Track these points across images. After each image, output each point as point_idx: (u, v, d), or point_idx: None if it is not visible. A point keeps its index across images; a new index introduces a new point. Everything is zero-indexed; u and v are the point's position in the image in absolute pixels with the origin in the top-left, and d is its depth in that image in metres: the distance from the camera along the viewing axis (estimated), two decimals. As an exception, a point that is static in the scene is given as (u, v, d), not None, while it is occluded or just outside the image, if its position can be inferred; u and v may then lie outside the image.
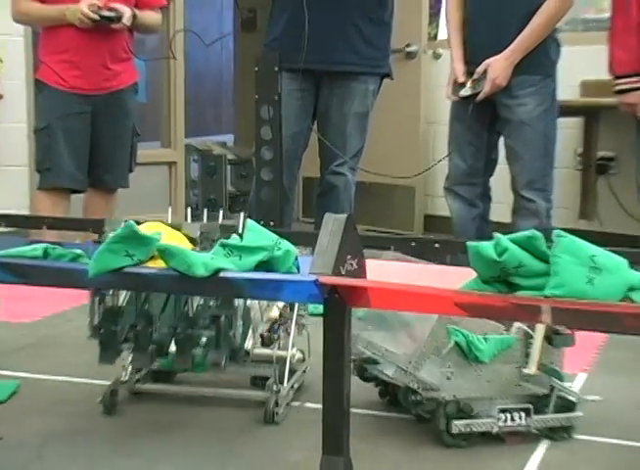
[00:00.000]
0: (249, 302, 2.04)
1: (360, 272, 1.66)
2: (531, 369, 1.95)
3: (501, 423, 1.97)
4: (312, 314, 2.32)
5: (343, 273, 1.61)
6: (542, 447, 2.00)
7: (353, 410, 1.65)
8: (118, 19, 3.64)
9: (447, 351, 1.94)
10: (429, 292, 1.48)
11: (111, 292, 2.03)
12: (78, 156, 3.79)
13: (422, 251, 2.80)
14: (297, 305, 2.22)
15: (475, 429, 1.97)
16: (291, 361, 2.20)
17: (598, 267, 1.46)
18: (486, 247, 1.51)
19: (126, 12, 3.66)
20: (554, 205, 3.48)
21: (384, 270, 1.83)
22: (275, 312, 2.13)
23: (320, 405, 1.65)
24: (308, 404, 2.24)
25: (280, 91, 3.36)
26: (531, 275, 1.48)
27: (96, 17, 3.59)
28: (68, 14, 3.61)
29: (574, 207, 4.86)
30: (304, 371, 2.33)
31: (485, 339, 1.95)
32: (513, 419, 1.97)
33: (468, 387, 1.97)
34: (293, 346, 2.21)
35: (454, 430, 1.96)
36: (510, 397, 1.99)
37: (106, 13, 3.62)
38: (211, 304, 2.00)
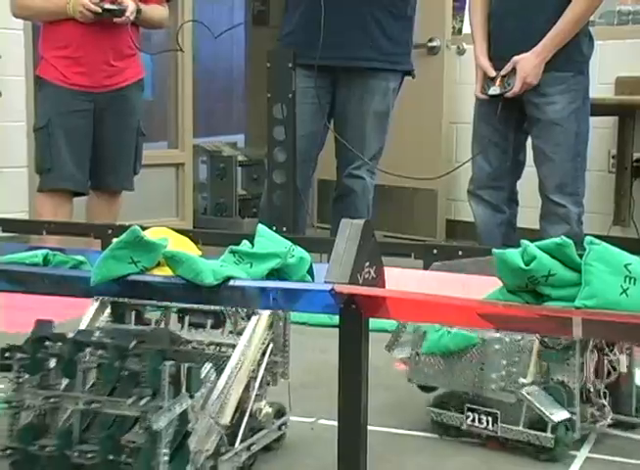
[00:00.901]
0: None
1: (378, 281, 1.66)
2: (527, 379, 1.91)
3: (469, 421, 1.97)
4: (327, 325, 2.33)
5: (361, 282, 1.61)
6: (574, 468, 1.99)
7: (371, 428, 1.64)
8: (122, 12, 3.67)
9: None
10: (451, 302, 1.48)
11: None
12: (80, 156, 3.81)
13: (444, 259, 2.81)
14: (269, 348, 1.89)
15: (444, 420, 2.01)
16: (254, 416, 1.88)
17: (633, 277, 1.46)
18: (513, 255, 1.51)
19: (130, 5, 3.69)
20: (585, 210, 3.47)
21: (403, 279, 1.83)
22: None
23: (335, 422, 1.65)
24: (323, 421, 2.24)
25: (294, 89, 3.37)
26: (561, 285, 1.47)
27: (98, 9, 3.62)
28: (70, 7, 3.64)
29: (608, 212, 4.84)
30: (280, 427, 2.02)
31: (448, 332, 1.96)
32: (480, 421, 1.95)
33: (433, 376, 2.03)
34: (261, 398, 1.92)
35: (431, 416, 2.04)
36: (479, 398, 1.98)
37: (108, 6, 3.65)
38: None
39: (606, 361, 1.94)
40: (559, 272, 1.48)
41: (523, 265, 1.49)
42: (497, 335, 1.94)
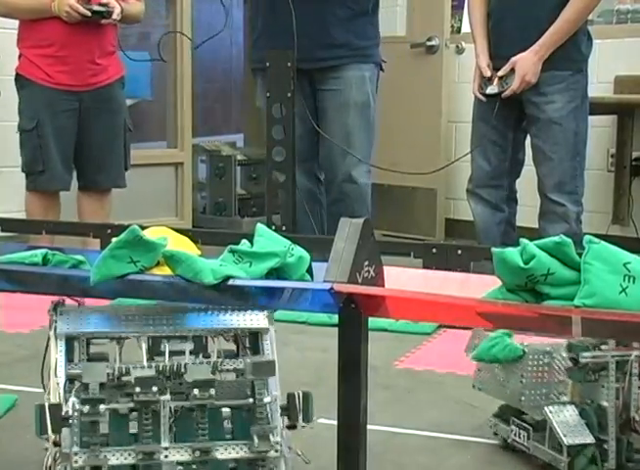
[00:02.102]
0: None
1: (378, 280, 1.66)
2: (566, 397, 1.84)
3: (512, 435, 1.93)
4: (326, 325, 2.33)
5: (360, 281, 1.61)
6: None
7: (370, 427, 1.65)
8: (109, 14, 3.65)
9: None
10: (450, 301, 1.48)
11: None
12: (66, 156, 3.81)
13: (443, 257, 2.81)
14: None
15: (497, 431, 2.00)
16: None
17: (632, 275, 1.46)
18: (512, 253, 1.51)
19: (117, 7, 3.67)
20: (584, 209, 3.47)
21: (403, 278, 1.83)
22: None
23: (335, 421, 1.65)
24: (322, 420, 2.24)
25: (293, 88, 3.38)
26: (560, 284, 1.47)
27: (87, 13, 3.60)
28: (55, 7, 3.61)
29: (607, 211, 4.84)
30: None
31: (501, 341, 1.92)
32: (519, 435, 1.91)
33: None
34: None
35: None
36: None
37: (97, 8, 3.63)
38: None
39: None
40: (558, 271, 1.48)
41: (522, 264, 1.48)
42: (547, 348, 1.89)
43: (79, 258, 1.87)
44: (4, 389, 2.46)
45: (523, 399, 1.87)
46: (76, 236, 3.31)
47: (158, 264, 1.71)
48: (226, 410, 1.55)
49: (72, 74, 3.73)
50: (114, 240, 1.71)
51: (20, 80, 3.82)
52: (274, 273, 1.73)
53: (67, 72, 3.72)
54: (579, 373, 1.78)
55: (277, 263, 1.73)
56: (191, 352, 1.63)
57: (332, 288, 1.59)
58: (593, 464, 1.74)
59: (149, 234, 1.75)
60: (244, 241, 1.79)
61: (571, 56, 3.36)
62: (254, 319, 1.69)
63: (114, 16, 3.66)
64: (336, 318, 1.64)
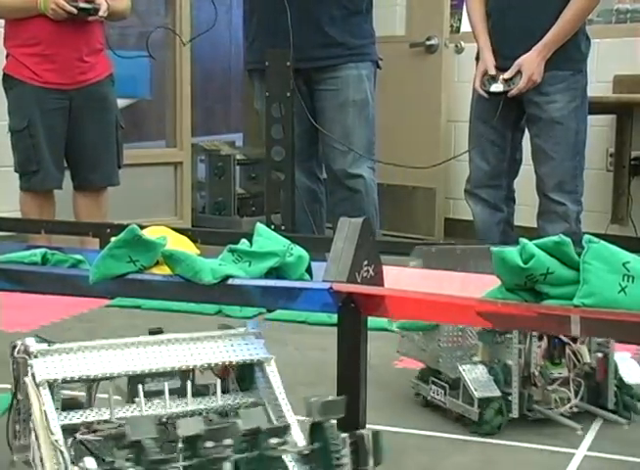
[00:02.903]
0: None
1: (377, 280, 1.66)
2: (476, 357, 2.05)
3: (431, 393, 2.14)
4: (325, 324, 2.33)
5: (359, 280, 1.61)
6: (573, 466, 1.99)
7: (369, 426, 1.64)
8: (96, 11, 3.62)
9: None
10: (450, 301, 1.48)
11: None
12: (57, 155, 3.79)
13: (443, 257, 2.80)
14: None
15: (418, 391, 2.21)
16: None
17: (631, 275, 1.46)
18: (512, 253, 1.51)
19: (103, 4, 3.64)
20: (584, 208, 3.47)
21: (402, 278, 1.83)
22: None
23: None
24: (322, 420, 2.24)
25: (292, 88, 3.38)
26: (560, 283, 1.47)
27: (74, 11, 3.57)
28: (41, 5, 3.58)
29: (606, 210, 4.84)
30: None
31: None
32: (437, 393, 2.13)
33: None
34: None
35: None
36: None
37: (83, 5, 3.60)
38: None
39: (568, 351, 2.01)
40: (557, 270, 1.48)
41: (521, 264, 1.49)
42: None
43: (78, 257, 1.88)
44: (3, 388, 2.46)
45: (440, 361, 2.08)
46: (75, 235, 3.30)
47: (157, 264, 1.71)
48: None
49: (60, 73, 3.69)
50: (113, 239, 1.71)
51: (7, 80, 3.78)
52: (273, 273, 1.73)
53: (54, 71, 3.69)
54: (488, 336, 2.01)
55: (276, 263, 1.73)
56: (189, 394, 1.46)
57: (331, 287, 1.59)
58: (499, 414, 1.99)
59: (148, 234, 1.75)
60: (243, 240, 1.79)
61: (571, 56, 3.36)
62: (250, 348, 1.56)
63: (101, 13, 3.63)
64: (335, 318, 1.64)
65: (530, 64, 3.30)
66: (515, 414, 2.01)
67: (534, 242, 1.54)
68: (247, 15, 3.79)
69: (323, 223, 3.71)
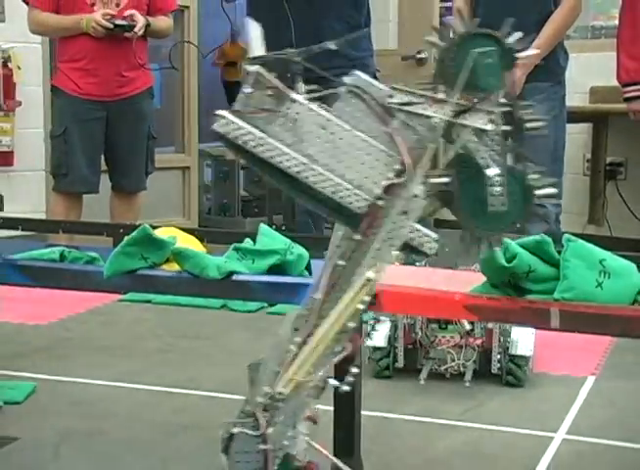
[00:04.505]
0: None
1: (372, 276, 1.66)
2: None
3: None
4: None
5: (355, 277, 1.61)
6: (552, 448, 1.99)
7: (364, 412, 1.65)
8: (131, 27, 3.69)
9: None
10: (439, 295, 1.48)
11: None
12: (93, 160, 3.86)
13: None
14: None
15: None
16: None
17: (607, 271, 1.46)
18: (496, 253, 1.51)
19: (139, 21, 3.71)
20: (563, 210, 3.47)
21: (394, 274, 1.83)
22: None
23: (331, 407, 1.65)
24: (319, 406, 2.24)
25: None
26: (541, 280, 1.47)
27: (110, 26, 3.64)
28: (84, 23, 3.66)
29: (583, 212, 4.84)
30: None
31: None
32: None
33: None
34: None
35: None
36: None
37: (119, 22, 3.67)
38: None
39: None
40: (539, 268, 1.47)
41: (505, 263, 1.48)
42: None
43: (93, 254, 1.87)
44: (24, 376, 2.46)
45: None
46: (91, 235, 3.30)
47: (167, 261, 1.71)
48: None
49: (100, 86, 3.77)
50: (125, 239, 1.71)
51: (55, 91, 3.89)
52: (275, 269, 1.73)
53: (95, 84, 3.77)
54: None
55: (278, 260, 1.73)
56: None
57: (329, 283, 1.58)
58: (386, 358, 2.43)
59: (159, 233, 1.75)
60: (247, 240, 1.79)
61: (550, 69, 3.36)
62: None
63: (137, 29, 3.69)
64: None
65: (511, 76, 3.30)
66: (400, 364, 2.43)
67: (517, 241, 1.53)
68: None
69: (322, 224, 3.71)
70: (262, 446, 1.10)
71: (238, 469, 1.18)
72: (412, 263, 1.95)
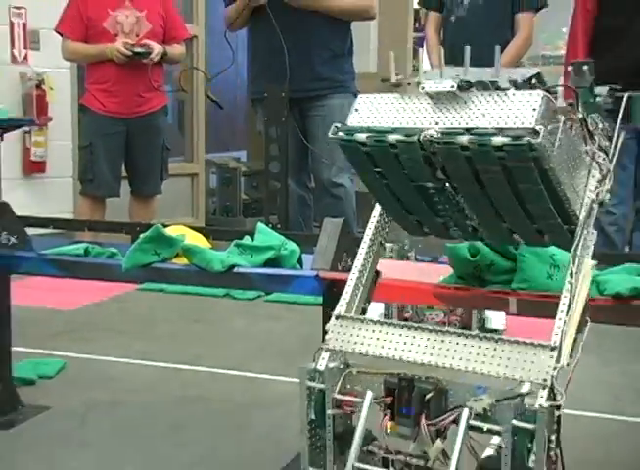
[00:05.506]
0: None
1: (354, 268, 1.64)
2: None
3: None
4: (312, 304, 2.30)
5: (340, 269, 1.60)
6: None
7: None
8: (148, 54, 3.74)
9: None
10: (411, 285, 1.47)
11: None
12: (115, 168, 3.90)
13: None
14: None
15: None
16: None
17: (557, 265, 1.45)
18: (462, 248, 1.50)
19: (155, 48, 3.76)
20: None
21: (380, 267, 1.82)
22: None
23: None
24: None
25: (287, 114, 3.37)
26: (501, 272, 1.47)
27: (129, 53, 3.70)
28: (108, 51, 3.72)
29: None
30: None
31: None
32: None
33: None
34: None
35: None
36: None
37: (138, 49, 3.73)
38: None
39: None
40: (498, 262, 1.47)
41: (470, 257, 1.48)
42: None
43: (113, 250, 1.86)
44: (55, 355, 2.44)
45: None
46: (112, 233, 3.29)
47: (177, 256, 1.70)
48: None
49: (122, 105, 3.80)
50: (141, 236, 1.69)
51: (83, 109, 3.93)
52: (271, 263, 1.72)
53: (117, 103, 3.80)
54: None
55: (273, 255, 1.72)
56: None
57: (317, 275, 1.58)
58: None
59: (170, 231, 1.74)
60: (246, 237, 1.78)
61: (507, 90, 3.39)
62: None
63: (152, 55, 3.74)
64: (320, 299, 1.62)
65: None
66: None
67: (481, 240, 1.52)
68: (250, 56, 3.80)
69: (311, 223, 3.70)
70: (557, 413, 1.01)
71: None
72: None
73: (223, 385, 2.22)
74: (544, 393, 1.00)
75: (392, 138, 1.08)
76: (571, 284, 1.07)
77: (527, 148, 0.97)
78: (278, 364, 2.33)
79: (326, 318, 1.62)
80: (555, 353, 1.04)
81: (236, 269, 1.64)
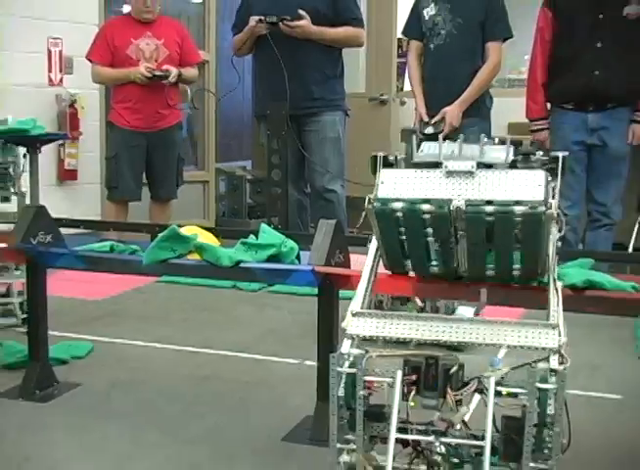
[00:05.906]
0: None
1: (346, 264, 1.65)
2: None
3: None
4: (309, 295, 2.30)
5: (333, 264, 1.60)
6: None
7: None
8: (167, 77, 3.78)
9: None
10: (392, 279, 1.47)
11: None
12: (137, 176, 3.92)
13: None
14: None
15: None
16: None
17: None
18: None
19: (173, 71, 3.79)
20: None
21: (363, 262, 1.82)
22: None
23: (316, 363, 1.64)
24: (307, 362, 2.23)
25: (287, 129, 3.38)
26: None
27: (149, 75, 3.74)
28: (132, 75, 3.76)
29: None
30: None
31: None
32: None
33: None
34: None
35: None
36: None
37: (157, 72, 3.77)
38: None
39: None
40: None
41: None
42: None
43: (135, 247, 1.86)
44: (85, 338, 2.44)
45: None
46: (134, 232, 3.30)
47: (190, 252, 1.70)
48: None
49: (143, 121, 3.82)
50: (159, 235, 1.69)
51: (110, 125, 3.96)
52: (273, 259, 1.72)
53: (139, 119, 3.82)
54: None
55: (275, 251, 1.72)
56: None
57: (314, 269, 1.58)
58: None
59: (184, 231, 1.74)
60: (251, 236, 1.78)
61: (480, 108, 3.39)
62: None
63: (170, 78, 3.77)
64: (316, 290, 1.63)
65: (452, 114, 3.32)
66: None
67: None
68: (256, 78, 3.82)
69: (308, 224, 3.70)
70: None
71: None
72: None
73: (232, 366, 2.22)
74: (555, 357, 1.10)
75: (426, 208, 1.19)
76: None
77: (541, 214, 1.14)
78: (280, 347, 2.34)
79: (321, 307, 1.62)
80: (556, 330, 1.15)
81: (242, 264, 1.65)
